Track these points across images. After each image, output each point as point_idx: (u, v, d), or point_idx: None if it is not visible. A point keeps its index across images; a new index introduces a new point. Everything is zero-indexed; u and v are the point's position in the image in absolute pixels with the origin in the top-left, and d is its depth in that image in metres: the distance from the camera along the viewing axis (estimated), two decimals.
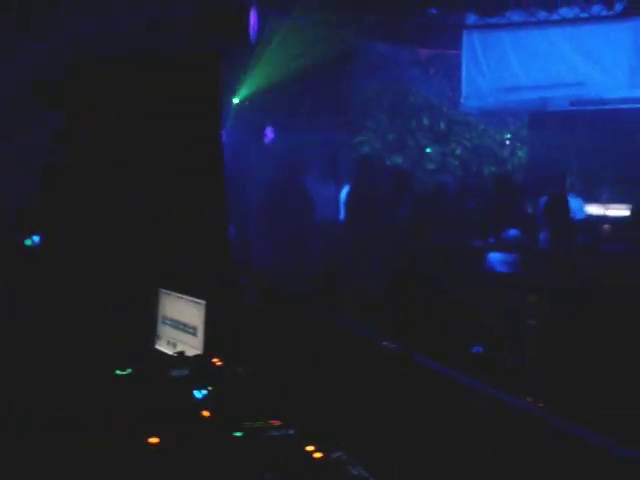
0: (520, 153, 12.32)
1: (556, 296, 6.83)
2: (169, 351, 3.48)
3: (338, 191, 9.89)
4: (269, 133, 10.26)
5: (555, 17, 10.26)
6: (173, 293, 3.60)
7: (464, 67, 11.77)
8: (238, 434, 2.47)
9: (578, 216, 8.83)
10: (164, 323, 3.63)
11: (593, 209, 9.50)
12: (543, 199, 8.94)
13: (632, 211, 8.89)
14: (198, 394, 2.82)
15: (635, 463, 2.26)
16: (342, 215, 9.57)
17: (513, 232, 8.46)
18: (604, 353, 4.70)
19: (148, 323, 3.64)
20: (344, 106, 11.84)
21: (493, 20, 10.77)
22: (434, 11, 10.70)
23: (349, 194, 9.35)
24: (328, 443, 2.39)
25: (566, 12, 10.20)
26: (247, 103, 10.22)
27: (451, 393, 2.82)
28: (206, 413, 2.65)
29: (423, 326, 4.14)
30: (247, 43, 7.67)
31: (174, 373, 3.01)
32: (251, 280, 4.86)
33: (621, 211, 9.51)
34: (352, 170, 10.27)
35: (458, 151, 12.38)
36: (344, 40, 10.61)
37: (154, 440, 2.38)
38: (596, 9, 10.02)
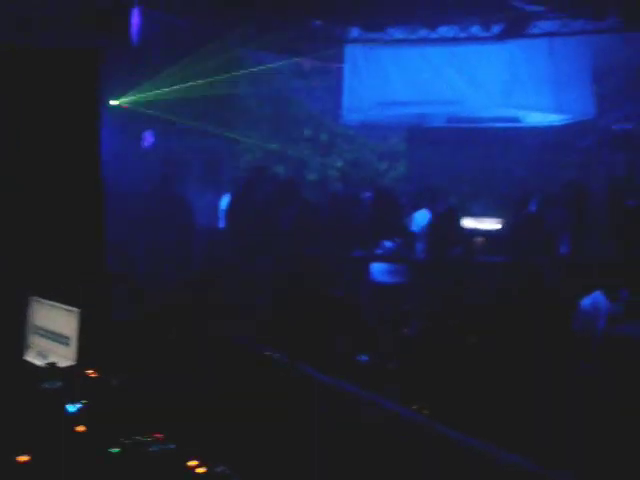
0: (398, 167, 12.61)
1: (430, 303, 7.02)
2: (40, 362, 3.29)
3: (217, 198, 9.78)
4: (148, 137, 10.00)
5: (434, 36, 10.57)
6: (45, 301, 3.41)
7: (346, 80, 11.94)
8: (115, 450, 2.35)
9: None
10: (35, 333, 3.42)
11: (467, 222, 9.83)
12: (418, 212, 9.16)
13: (503, 225, 9.28)
14: (71, 408, 2.67)
15: (517, 468, 2.30)
16: (222, 223, 9.45)
17: (391, 243, 8.63)
18: (480, 358, 4.84)
19: (17, 333, 3.43)
20: (225, 114, 11.74)
21: (375, 35, 10.97)
22: (318, 23, 10.81)
23: (231, 202, 9.25)
24: (211, 457, 2.31)
25: (446, 31, 10.53)
26: (126, 106, 9.94)
27: (337, 402, 2.80)
28: (80, 428, 2.51)
29: (307, 335, 4.13)
30: (128, 43, 7.47)
31: (45, 386, 2.84)
32: (127, 289, 4.71)
33: (493, 225, 9.93)
34: (232, 178, 10.16)
35: (339, 163, 12.53)
36: (227, 47, 10.53)
37: (24, 458, 2.23)
38: (474, 30, 10.39)
